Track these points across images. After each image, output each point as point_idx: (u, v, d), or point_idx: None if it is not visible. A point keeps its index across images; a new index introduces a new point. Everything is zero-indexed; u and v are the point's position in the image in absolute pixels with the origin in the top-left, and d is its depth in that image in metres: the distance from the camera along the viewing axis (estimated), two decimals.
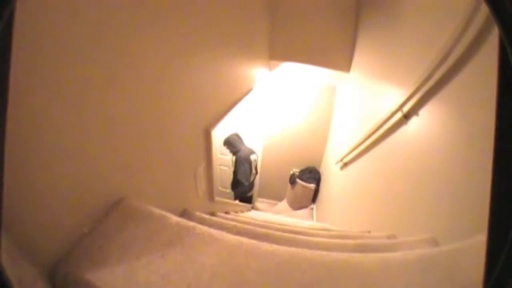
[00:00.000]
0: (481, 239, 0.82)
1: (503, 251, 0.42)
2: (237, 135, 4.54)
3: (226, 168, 5.00)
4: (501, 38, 0.40)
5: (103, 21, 0.84)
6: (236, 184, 4.47)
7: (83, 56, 0.77)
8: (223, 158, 4.92)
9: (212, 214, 2.18)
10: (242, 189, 4.51)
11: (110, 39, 0.88)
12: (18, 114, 0.56)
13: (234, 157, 4.47)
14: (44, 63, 0.65)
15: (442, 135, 1.34)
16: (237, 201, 4.35)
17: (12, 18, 0.41)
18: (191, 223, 1.00)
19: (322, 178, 5.29)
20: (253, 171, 4.49)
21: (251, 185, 4.64)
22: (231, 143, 4.44)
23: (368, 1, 3.27)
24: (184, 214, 1.59)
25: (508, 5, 0.38)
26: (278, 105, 5.46)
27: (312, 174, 5.46)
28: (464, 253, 0.85)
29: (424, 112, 1.54)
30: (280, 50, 3.87)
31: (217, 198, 2.46)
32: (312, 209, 5.18)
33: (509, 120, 0.43)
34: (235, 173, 4.45)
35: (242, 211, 3.64)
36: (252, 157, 4.43)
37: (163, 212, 1.02)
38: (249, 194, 4.76)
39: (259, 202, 5.86)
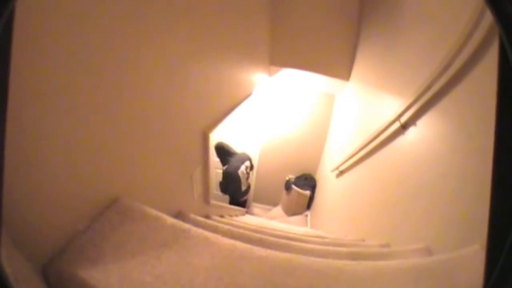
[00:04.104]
0: (474, 249, 0.83)
1: (501, 256, 0.42)
2: (221, 145, 4.25)
3: (221, 171, 4.99)
4: (501, 38, 0.41)
5: (110, 27, 0.85)
6: (225, 190, 4.41)
7: (88, 58, 0.78)
8: (219, 161, 4.90)
9: (207, 217, 2.18)
10: (233, 197, 4.50)
11: (115, 44, 0.89)
12: (17, 113, 0.56)
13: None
14: (48, 65, 0.65)
15: (439, 146, 1.35)
16: (232, 206, 4.32)
17: (12, 18, 0.41)
18: (186, 225, 1.00)
19: (318, 185, 5.29)
20: (244, 181, 4.33)
21: (245, 191, 4.60)
22: (220, 157, 4.27)
23: (370, 11, 3.30)
24: (179, 216, 1.58)
25: (508, 5, 0.39)
26: (277, 111, 5.47)
27: (307, 181, 5.46)
28: (458, 262, 0.86)
29: (422, 122, 1.55)
30: (281, 56, 3.89)
31: (212, 201, 2.45)
32: (306, 215, 5.18)
33: (509, 121, 0.44)
34: (223, 184, 4.31)
35: (236, 215, 3.64)
36: (241, 169, 4.22)
37: (159, 213, 1.02)
38: (242, 199, 4.72)
39: (253, 207, 5.85)
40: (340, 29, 3.77)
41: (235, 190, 4.35)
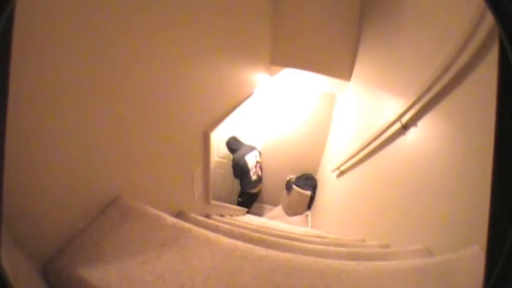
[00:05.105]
0: (474, 249, 0.83)
1: (501, 256, 0.42)
2: (234, 138, 4.60)
3: (222, 171, 5.00)
4: (501, 39, 0.41)
5: (111, 27, 0.85)
6: (237, 177, 4.61)
7: (89, 58, 0.78)
8: (220, 161, 4.91)
9: (207, 216, 2.18)
10: (244, 187, 4.61)
11: (116, 44, 0.89)
12: (17, 112, 0.56)
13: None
14: (48, 65, 0.65)
15: (440, 146, 1.35)
16: (233, 206, 4.35)
17: (12, 18, 0.41)
18: (187, 225, 1.00)
19: (318, 185, 5.28)
20: (253, 169, 4.48)
21: (255, 182, 4.63)
22: (229, 147, 4.56)
23: (371, 12, 3.30)
24: (179, 215, 1.58)
25: (508, 4, 0.39)
26: (277, 110, 5.47)
27: (308, 181, 5.45)
28: (458, 263, 0.86)
29: (422, 123, 1.55)
30: (282, 56, 3.88)
31: (212, 201, 2.45)
32: (307, 216, 5.17)
33: (510, 121, 0.44)
34: (234, 173, 4.57)
35: (237, 215, 3.64)
36: (249, 156, 4.44)
37: (160, 213, 1.02)
38: (252, 191, 4.75)
39: (259, 208, 5.85)
40: (341, 29, 3.77)
41: (244, 177, 4.52)
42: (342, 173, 3.24)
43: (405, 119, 1.72)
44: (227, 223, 2.04)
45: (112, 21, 0.86)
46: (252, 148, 4.56)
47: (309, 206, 5.29)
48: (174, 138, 1.48)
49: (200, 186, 2.02)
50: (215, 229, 1.44)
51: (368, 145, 2.28)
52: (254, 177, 4.49)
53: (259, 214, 5.59)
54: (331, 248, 1.49)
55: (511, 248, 0.41)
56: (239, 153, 4.42)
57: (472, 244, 0.86)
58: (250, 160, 4.43)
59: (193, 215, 1.65)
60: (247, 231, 1.54)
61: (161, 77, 1.24)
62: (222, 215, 2.78)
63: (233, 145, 4.51)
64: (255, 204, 5.45)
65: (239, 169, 4.42)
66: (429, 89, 1.42)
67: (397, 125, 1.79)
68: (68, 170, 0.78)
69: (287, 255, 0.94)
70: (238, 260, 0.89)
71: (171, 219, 1.01)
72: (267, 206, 6.00)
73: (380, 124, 2.01)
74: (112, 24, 0.86)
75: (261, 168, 4.67)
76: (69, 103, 0.74)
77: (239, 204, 4.69)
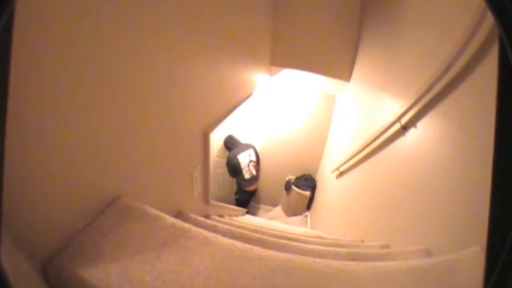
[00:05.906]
0: (474, 250, 0.83)
1: (501, 256, 0.42)
2: (230, 137, 4.62)
3: (222, 171, 5.00)
4: (501, 38, 0.41)
5: (111, 26, 0.85)
6: (231, 175, 4.64)
7: (89, 57, 0.78)
8: (220, 161, 4.91)
9: (207, 216, 2.17)
10: (239, 185, 4.67)
11: (116, 43, 0.89)
12: (18, 112, 0.56)
13: None
14: (48, 65, 0.65)
15: (439, 147, 1.35)
16: (232, 206, 4.36)
17: (12, 18, 0.41)
18: (187, 225, 1.00)
19: (318, 186, 5.29)
20: (246, 168, 4.51)
21: (250, 180, 4.64)
22: (226, 146, 4.60)
23: (371, 13, 3.30)
24: (179, 215, 1.58)
25: (508, 4, 0.39)
26: (277, 111, 5.47)
27: (307, 182, 5.45)
28: (458, 264, 0.86)
29: (422, 124, 1.55)
30: (282, 57, 3.88)
31: (212, 201, 2.45)
32: (306, 216, 5.18)
33: (510, 122, 0.44)
34: (228, 170, 4.61)
35: (236, 215, 3.64)
36: (241, 155, 4.47)
37: (159, 213, 1.02)
38: (248, 189, 4.75)
39: (257, 208, 5.85)
40: (341, 30, 3.77)
41: (238, 175, 4.54)
42: (341, 173, 3.24)
43: (404, 120, 1.72)
44: (226, 223, 2.04)
45: (112, 20, 0.86)
46: (248, 147, 4.56)
47: (308, 207, 5.30)
48: (173, 138, 1.48)
49: (200, 186, 2.02)
50: (215, 229, 1.44)
51: (367, 145, 2.28)
52: (247, 176, 4.52)
53: (258, 214, 5.59)
54: (331, 248, 1.49)
55: (511, 248, 0.41)
56: (232, 152, 4.46)
57: (472, 244, 0.87)
58: (243, 159, 4.45)
59: (192, 215, 1.65)
60: (246, 231, 1.54)
61: (161, 76, 1.24)
62: (221, 215, 2.78)
63: (229, 143, 4.56)
64: (254, 205, 5.43)
65: (232, 168, 4.48)
66: (429, 89, 1.42)
67: (397, 126, 1.79)
68: (68, 170, 0.78)
69: (286, 255, 0.94)
70: (237, 260, 0.89)
71: (170, 219, 1.01)
72: (266, 207, 6.00)
73: (379, 125, 2.01)
74: (112, 24, 0.86)
75: (255, 167, 4.67)
76: (68, 103, 0.74)
77: (236, 201, 4.76)
